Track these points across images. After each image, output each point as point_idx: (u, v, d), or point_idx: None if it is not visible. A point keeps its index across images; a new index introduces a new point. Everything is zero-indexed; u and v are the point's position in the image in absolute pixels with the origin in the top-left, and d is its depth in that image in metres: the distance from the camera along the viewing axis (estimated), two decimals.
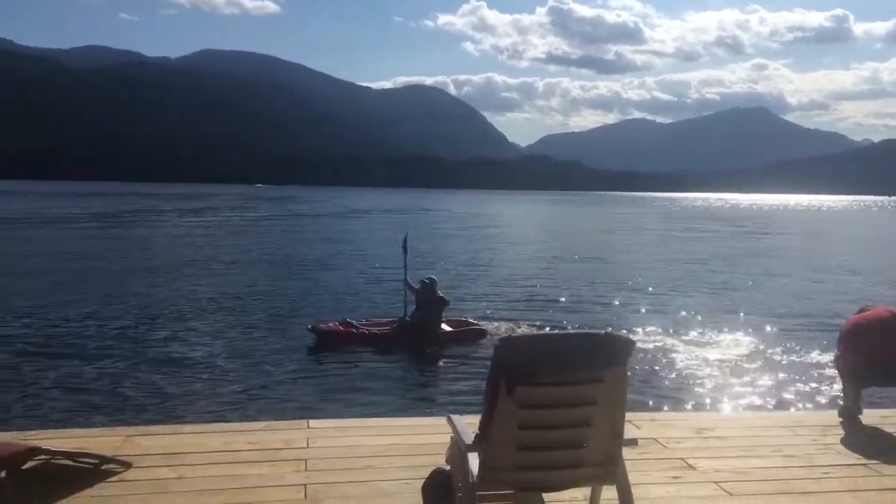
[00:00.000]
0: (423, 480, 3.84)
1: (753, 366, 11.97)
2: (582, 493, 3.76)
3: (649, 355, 12.38)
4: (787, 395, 10.39)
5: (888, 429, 5.63)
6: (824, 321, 15.91)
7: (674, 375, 11.35)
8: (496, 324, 14.82)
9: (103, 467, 4.32)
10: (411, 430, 5.43)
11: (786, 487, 4.43)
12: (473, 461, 3.25)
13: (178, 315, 15.83)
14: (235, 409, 9.37)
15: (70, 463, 4.28)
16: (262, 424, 5.72)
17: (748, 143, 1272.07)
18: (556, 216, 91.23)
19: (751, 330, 14.95)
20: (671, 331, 14.71)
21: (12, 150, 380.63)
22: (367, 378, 11.22)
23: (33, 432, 5.21)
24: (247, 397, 9.96)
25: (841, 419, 5.73)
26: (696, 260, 32.23)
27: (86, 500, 3.98)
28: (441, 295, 13.79)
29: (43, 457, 4.17)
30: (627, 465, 3.37)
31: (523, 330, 14.08)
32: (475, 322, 14.37)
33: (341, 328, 13.45)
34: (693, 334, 14.45)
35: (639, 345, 11.21)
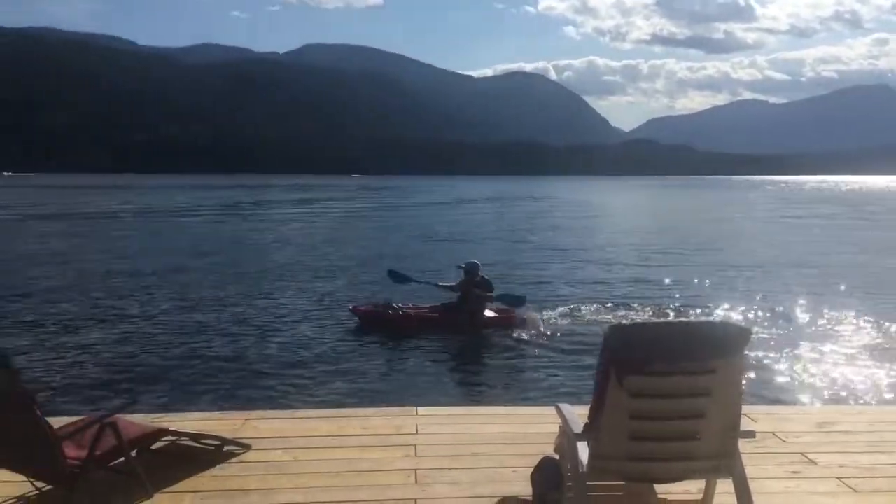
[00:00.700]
0: (531, 469, 3.84)
1: (878, 358, 11.34)
2: (695, 485, 3.67)
3: (765, 345, 11.92)
4: None
5: None
6: None
7: (792, 367, 10.90)
8: (604, 313, 14.63)
9: (224, 449, 4.52)
10: (518, 418, 5.44)
11: None
12: (583, 451, 3.23)
13: (289, 310, 16.28)
14: (345, 396, 9.62)
15: (193, 444, 4.50)
16: (372, 411, 5.85)
17: (869, 123, 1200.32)
18: (666, 201, 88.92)
19: (874, 321, 14.12)
20: (788, 320, 14.13)
21: (133, 144, 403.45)
22: (469, 366, 11.33)
23: (158, 415, 5.50)
24: (356, 385, 10.21)
25: None
26: (815, 247, 30.80)
27: (209, 479, 4.18)
28: (484, 276, 13.78)
29: (169, 438, 4.42)
30: (743, 458, 3.27)
31: (634, 318, 13.85)
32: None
33: (380, 310, 13.69)
34: (812, 324, 13.84)
35: (754, 335, 10.81)
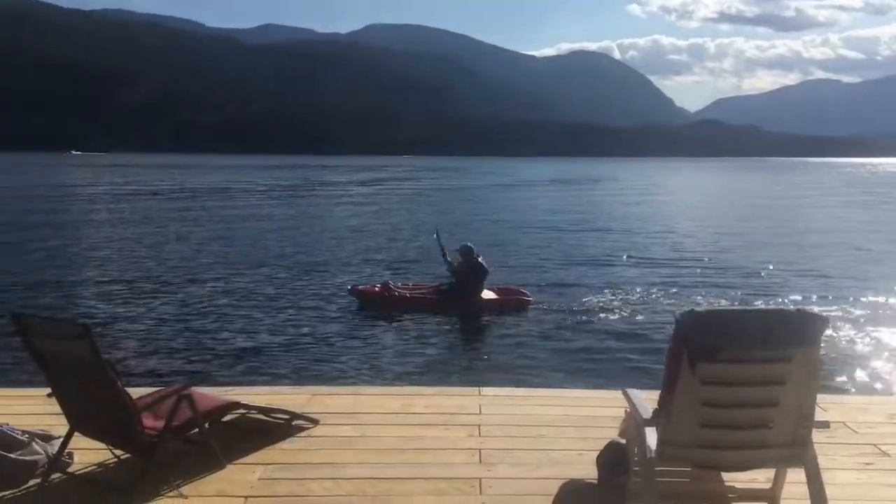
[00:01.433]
0: (595, 452, 3.83)
1: None
2: (763, 474, 3.60)
3: (839, 334, 11.60)
4: None
5: None
6: None
7: (865, 357, 10.59)
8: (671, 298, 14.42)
9: (293, 423, 4.62)
10: (582, 401, 5.42)
11: None
12: (651, 436, 3.19)
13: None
14: (407, 374, 9.74)
15: (263, 418, 4.61)
16: (435, 390, 5.90)
17: None
18: (735, 184, 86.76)
19: None
20: (863, 307, 13.68)
21: (200, 124, 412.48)
22: (528, 349, 11.30)
23: (228, 388, 5.65)
24: (417, 365, 10.32)
25: None
26: (893, 233, 29.66)
27: (278, 452, 4.28)
28: (480, 261, 13.74)
29: (240, 411, 4.52)
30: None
31: (707, 304, 13.61)
32: (521, 290, 14.36)
33: (377, 290, 13.93)
34: (888, 312, 13.36)
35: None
